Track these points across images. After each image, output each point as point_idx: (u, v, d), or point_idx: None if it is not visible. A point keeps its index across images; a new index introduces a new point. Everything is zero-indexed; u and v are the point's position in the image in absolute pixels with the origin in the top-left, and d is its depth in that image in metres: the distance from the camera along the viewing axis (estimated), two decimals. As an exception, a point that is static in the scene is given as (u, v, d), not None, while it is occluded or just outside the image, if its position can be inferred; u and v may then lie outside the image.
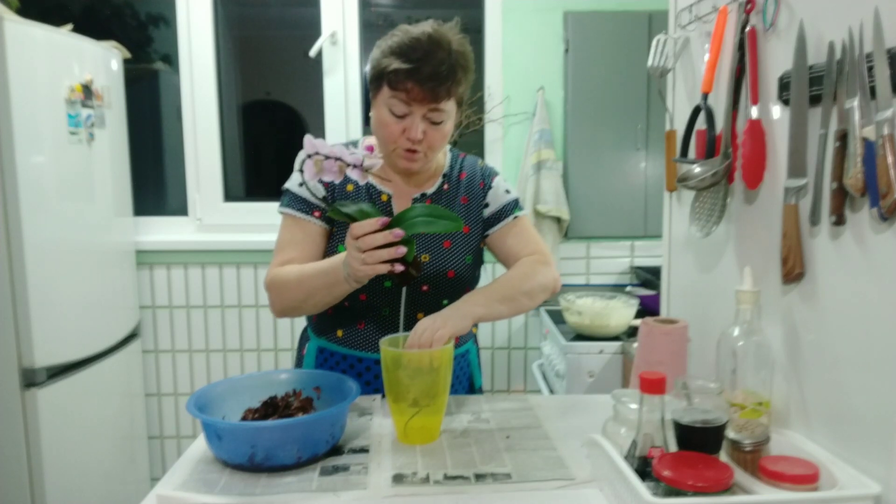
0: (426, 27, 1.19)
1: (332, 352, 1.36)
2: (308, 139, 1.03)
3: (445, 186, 1.36)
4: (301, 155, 1.04)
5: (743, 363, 1.02)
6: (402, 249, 1.05)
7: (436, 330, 1.10)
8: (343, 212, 1.08)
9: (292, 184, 1.33)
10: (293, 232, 1.31)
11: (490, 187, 1.38)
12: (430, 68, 1.16)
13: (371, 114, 1.27)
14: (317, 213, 1.30)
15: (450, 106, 1.22)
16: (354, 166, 1.05)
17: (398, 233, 1.05)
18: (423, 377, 1.07)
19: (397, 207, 1.32)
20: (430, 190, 1.34)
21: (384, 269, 1.06)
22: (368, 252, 1.05)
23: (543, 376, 2.47)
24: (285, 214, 1.32)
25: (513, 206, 1.37)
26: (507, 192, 1.38)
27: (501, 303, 1.22)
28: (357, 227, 1.06)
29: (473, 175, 1.38)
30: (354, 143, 1.38)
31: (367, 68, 1.25)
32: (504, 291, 1.24)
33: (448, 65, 1.17)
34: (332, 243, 1.31)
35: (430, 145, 1.23)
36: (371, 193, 1.32)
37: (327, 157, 1.03)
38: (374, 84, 1.23)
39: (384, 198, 1.32)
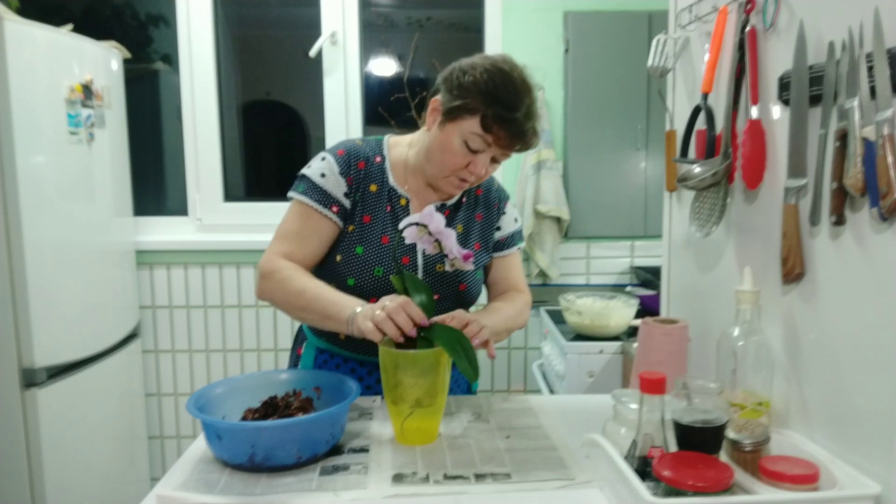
0: (514, 67, 1.20)
1: (334, 353, 1.36)
2: (430, 211, 1.09)
3: (464, 200, 1.37)
4: (415, 219, 1.09)
5: (743, 363, 1.02)
6: (412, 332, 1.07)
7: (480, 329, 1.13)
8: (404, 285, 1.13)
9: (313, 172, 1.28)
10: (304, 223, 1.27)
11: (504, 213, 1.42)
12: (524, 120, 1.18)
13: (432, 133, 1.25)
14: (335, 209, 1.27)
15: None
16: (446, 255, 1.14)
17: (424, 322, 1.07)
18: (422, 378, 1.07)
19: (414, 211, 1.32)
20: (450, 202, 1.35)
21: (378, 336, 1.06)
22: (384, 318, 1.06)
23: (543, 376, 2.46)
24: (299, 202, 1.28)
25: (518, 238, 1.44)
26: (516, 220, 1.43)
27: (493, 335, 1.23)
28: (405, 303, 1.07)
29: (489, 193, 1.41)
30: (378, 142, 1.35)
31: (446, 91, 1.21)
32: (500, 326, 1.28)
33: (535, 117, 1.20)
34: (349, 243, 1.28)
35: (480, 179, 1.26)
36: (391, 196, 1.31)
37: (430, 234, 1.11)
38: (454, 113, 1.19)
39: (402, 202, 1.32)
